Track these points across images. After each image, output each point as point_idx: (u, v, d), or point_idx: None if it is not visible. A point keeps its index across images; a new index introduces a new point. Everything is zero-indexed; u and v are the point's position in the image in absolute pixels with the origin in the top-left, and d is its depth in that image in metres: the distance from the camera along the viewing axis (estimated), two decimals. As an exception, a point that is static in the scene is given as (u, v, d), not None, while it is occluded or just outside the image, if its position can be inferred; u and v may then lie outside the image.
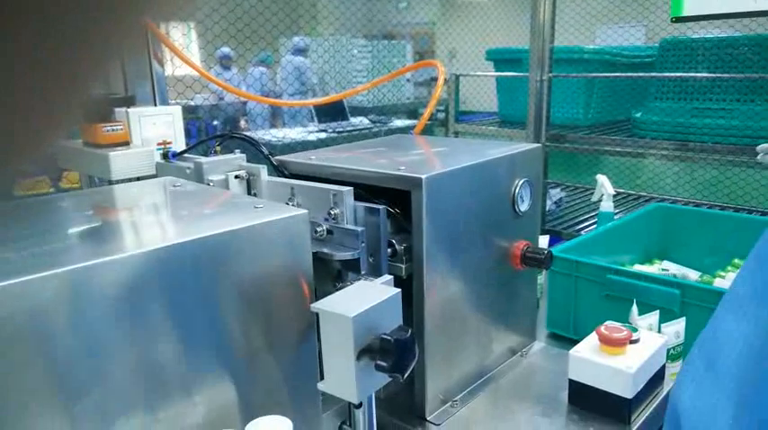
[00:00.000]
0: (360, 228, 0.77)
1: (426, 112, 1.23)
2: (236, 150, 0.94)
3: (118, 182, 0.93)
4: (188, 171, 0.89)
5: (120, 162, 0.93)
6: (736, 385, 0.37)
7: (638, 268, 1.42)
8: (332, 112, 4.10)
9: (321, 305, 0.58)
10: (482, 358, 0.95)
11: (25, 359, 0.47)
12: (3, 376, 0.46)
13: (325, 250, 0.78)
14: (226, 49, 4.18)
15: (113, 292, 0.52)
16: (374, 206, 0.81)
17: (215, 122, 4.18)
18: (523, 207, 0.97)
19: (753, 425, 0.34)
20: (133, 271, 0.53)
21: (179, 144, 1.08)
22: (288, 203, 0.83)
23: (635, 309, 1.07)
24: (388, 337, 0.56)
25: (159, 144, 1.06)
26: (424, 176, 0.79)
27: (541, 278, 1.34)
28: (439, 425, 0.85)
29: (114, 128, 0.96)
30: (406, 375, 0.57)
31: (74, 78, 0.14)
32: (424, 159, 1.03)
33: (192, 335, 0.57)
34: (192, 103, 3.65)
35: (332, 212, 0.80)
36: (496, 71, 2.76)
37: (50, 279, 0.48)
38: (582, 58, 2.24)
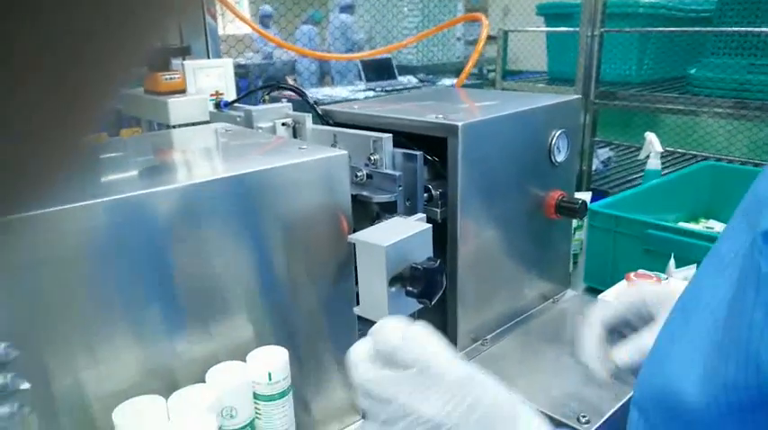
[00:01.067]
0: (397, 173, 0.82)
1: (468, 66, 1.25)
2: (283, 100, 0.99)
3: (175, 126, 1.00)
4: (238, 119, 0.95)
5: (177, 108, 0.99)
6: (708, 344, 0.36)
7: (682, 226, 1.42)
8: (379, 71, 4.10)
9: (358, 236, 0.64)
10: (513, 302, 0.99)
11: (95, 272, 0.54)
12: (74, 287, 0.53)
13: (365, 193, 0.83)
14: (267, 8, 4.23)
15: (170, 218, 0.58)
16: (411, 152, 0.85)
17: (260, 82, 4.26)
18: (560, 158, 0.98)
19: (719, 388, 0.34)
20: (187, 200, 0.59)
21: (230, 94, 1.14)
22: (332, 149, 0.88)
23: (672, 262, 1.08)
24: (418, 266, 0.61)
25: (212, 95, 1.12)
26: (460, 124, 0.82)
27: (582, 234, 1.36)
28: (469, 361, 0.90)
29: (172, 76, 1.03)
30: (433, 301, 0.62)
31: (137, 30, 0.14)
32: (462, 108, 1.06)
33: (240, 260, 0.63)
34: (243, 62, 3.73)
35: (372, 158, 0.84)
36: (548, 27, 2.70)
37: (114, 203, 0.54)
38: (636, 12, 2.17)
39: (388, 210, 0.83)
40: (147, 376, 0.58)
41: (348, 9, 4.83)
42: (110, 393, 0.56)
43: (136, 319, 0.57)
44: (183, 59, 1.11)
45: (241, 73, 3.85)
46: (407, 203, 0.86)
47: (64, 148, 0.15)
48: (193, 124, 1.01)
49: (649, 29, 2.17)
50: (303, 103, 1.01)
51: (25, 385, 0.49)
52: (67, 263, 0.53)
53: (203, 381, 0.59)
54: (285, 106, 0.96)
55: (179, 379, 0.60)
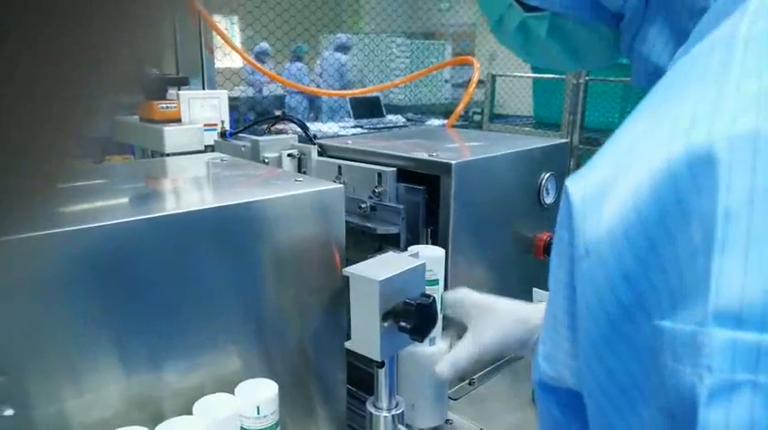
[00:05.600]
0: (401, 206, 0.83)
1: (459, 107, 1.28)
2: (289, 131, 1.01)
3: (169, 155, 1.00)
4: (243, 149, 0.96)
5: (172, 136, 1.00)
6: None
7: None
8: (368, 108, 4.16)
9: (352, 270, 0.64)
10: (501, 341, 0.99)
11: (81, 299, 0.53)
12: (59, 314, 0.52)
13: (369, 225, 0.84)
14: (264, 45, 4.28)
15: (158, 247, 0.57)
16: (415, 187, 0.86)
17: (251, 115, 4.30)
18: (548, 199, 1.00)
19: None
20: (176, 228, 0.58)
21: (226, 126, 1.15)
22: (335, 181, 0.89)
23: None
24: (411, 301, 0.61)
25: (206, 125, 1.13)
26: (453, 162, 0.83)
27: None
28: (457, 399, 0.89)
29: (168, 105, 1.03)
30: (426, 338, 0.62)
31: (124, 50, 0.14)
32: (454, 148, 1.08)
33: (230, 290, 0.63)
34: (236, 95, 3.77)
35: (376, 190, 0.86)
36: (535, 73, 2.78)
37: (101, 230, 0.54)
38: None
39: (392, 242, 0.85)
40: (132, 406, 0.57)
41: (342, 48, 4.92)
42: (94, 422, 0.54)
43: (122, 348, 0.56)
44: (179, 89, 1.12)
45: (231, 105, 3.89)
46: (410, 236, 0.87)
47: (43, 175, 0.15)
48: (187, 153, 1.01)
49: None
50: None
51: (8, 412, 0.47)
52: (53, 289, 0.52)
53: (190, 413, 0.58)
54: (291, 137, 0.98)
55: (165, 410, 0.59)
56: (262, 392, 0.61)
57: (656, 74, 0.44)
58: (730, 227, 0.24)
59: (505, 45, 0.56)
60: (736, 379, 0.23)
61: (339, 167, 0.91)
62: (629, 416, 0.29)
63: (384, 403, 0.68)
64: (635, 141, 0.30)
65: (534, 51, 0.54)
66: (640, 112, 0.32)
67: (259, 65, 1.39)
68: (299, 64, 4.94)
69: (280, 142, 0.95)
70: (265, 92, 4.62)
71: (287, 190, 0.67)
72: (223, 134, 1.02)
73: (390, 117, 4.34)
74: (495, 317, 0.71)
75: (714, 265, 0.24)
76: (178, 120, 1.06)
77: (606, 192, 0.30)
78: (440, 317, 0.72)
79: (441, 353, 0.74)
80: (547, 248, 1.00)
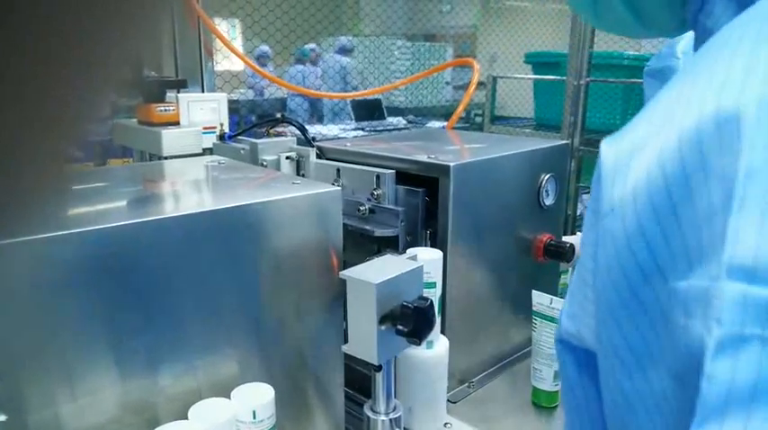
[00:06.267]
0: (400, 208, 0.83)
1: (459, 108, 1.27)
2: (288, 134, 1.01)
3: (167, 158, 1.00)
4: (242, 151, 0.96)
5: (170, 139, 1.00)
6: None
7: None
8: (369, 111, 4.16)
9: (349, 273, 0.63)
10: (500, 344, 0.99)
11: (76, 304, 0.53)
12: (53, 318, 0.52)
13: (367, 227, 0.84)
14: (265, 48, 4.28)
15: (153, 251, 0.56)
16: (414, 188, 0.86)
17: (253, 118, 4.30)
18: (548, 201, 1.00)
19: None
20: (172, 232, 0.58)
21: (224, 129, 1.14)
22: (333, 184, 0.89)
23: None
24: (409, 304, 0.61)
25: (205, 128, 1.13)
26: (452, 164, 0.83)
27: (567, 278, 1.36)
28: (455, 403, 0.89)
29: (167, 108, 1.03)
30: (423, 341, 0.62)
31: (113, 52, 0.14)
32: (454, 149, 1.07)
33: (226, 293, 0.62)
34: (236, 97, 3.77)
35: (374, 193, 0.86)
36: (535, 75, 2.77)
37: (96, 233, 0.53)
38: (621, 63, 2.24)
39: (390, 244, 0.84)
40: (127, 411, 0.56)
41: (344, 51, 4.92)
42: (88, 427, 0.54)
43: (117, 352, 0.56)
44: (178, 92, 1.12)
45: (232, 108, 3.89)
46: (408, 238, 0.86)
47: (38, 176, 0.15)
48: (185, 156, 1.01)
49: (633, 80, 2.24)
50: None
51: (1, 417, 0.47)
52: (48, 292, 0.51)
53: (185, 418, 0.58)
54: (289, 140, 0.98)
55: (160, 415, 0.58)
56: (258, 396, 0.61)
57: None
58: (750, 184, 0.24)
59: (575, 6, 0.56)
60: (745, 332, 0.23)
61: (338, 170, 0.91)
62: (637, 378, 0.29)
63: (381, 406, 0.68)
64: (669, 104, 0.30)
65: (602, 11, 0.53)
66: (679, 78, 0.32)
67: (259, 67, 1.39)
68: (300, 66, 4.94)
69: (278, 145, 0.95)
70: (266, 94, 4.63)
71: (284, 193, 0.67)
72: (222, 137, 1.02)
73: (391, 119, 4.34)
74: None
75: (731, 221, 0.24)
76: (177, 123, 1.06)
77: (636, 153, 0.30)
78: (437, 319, 0.72)
79: (438, 357, 0.74)
80: (546, 250, 1.00)
